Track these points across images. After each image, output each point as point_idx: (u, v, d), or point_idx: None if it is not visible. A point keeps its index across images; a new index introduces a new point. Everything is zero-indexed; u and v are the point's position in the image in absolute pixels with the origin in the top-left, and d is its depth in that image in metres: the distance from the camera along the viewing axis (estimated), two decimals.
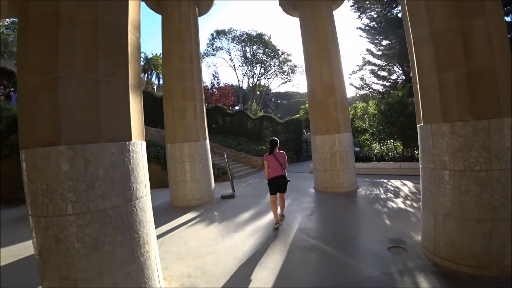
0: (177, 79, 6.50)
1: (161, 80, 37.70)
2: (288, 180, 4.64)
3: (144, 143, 2.53)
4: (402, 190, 6.64)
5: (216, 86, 26.20)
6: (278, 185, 4.54)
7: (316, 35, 6.95)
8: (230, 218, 5.23)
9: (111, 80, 2.20)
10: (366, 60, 20.72)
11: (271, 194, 4.60)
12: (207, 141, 6.94)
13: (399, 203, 5.49)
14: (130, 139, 2.28)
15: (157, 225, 4.96)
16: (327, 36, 6.92)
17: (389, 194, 6.32)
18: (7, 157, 8.12)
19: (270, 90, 30.72)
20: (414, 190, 6.56)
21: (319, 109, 6.97)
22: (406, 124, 9.37)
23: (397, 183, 7.57)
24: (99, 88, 2.12)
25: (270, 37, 26.69)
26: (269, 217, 5.09)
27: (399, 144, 11.00)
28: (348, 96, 8.42)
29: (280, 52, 26.50)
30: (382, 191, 6.69)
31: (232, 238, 4.23)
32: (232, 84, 30.06)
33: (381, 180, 8.12)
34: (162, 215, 5.83)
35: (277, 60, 26.22)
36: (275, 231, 4.40)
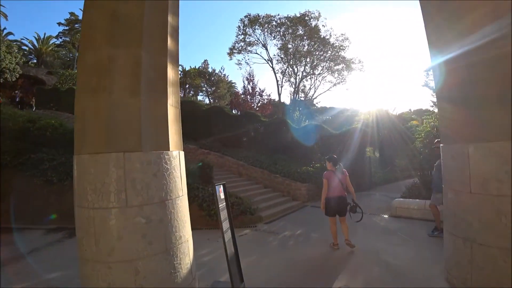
0: None
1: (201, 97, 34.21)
2: (359, 207, 4.13)
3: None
4: None
5: (250, 91, 20.60)
6: (338, 207, 4.13)
7: None
8: None
9: None
10: None
11: (329, 215, 4.24)
12: (175, 152, 2.76)
13: None
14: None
15: None
16: None
17: None
18: None
19: (313, 100, 25.18)
20: None
21: (479, 74, 2.37)
22: None
23: None
24: None
25: (318, 17, 20.62)
26: None
27: None
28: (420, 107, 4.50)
29: (332, 40, 20.34)
30: None
31: None
32: (269, 96, 25.36)
33: None
34: None
35: (327, 52, 20.09)
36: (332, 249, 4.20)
